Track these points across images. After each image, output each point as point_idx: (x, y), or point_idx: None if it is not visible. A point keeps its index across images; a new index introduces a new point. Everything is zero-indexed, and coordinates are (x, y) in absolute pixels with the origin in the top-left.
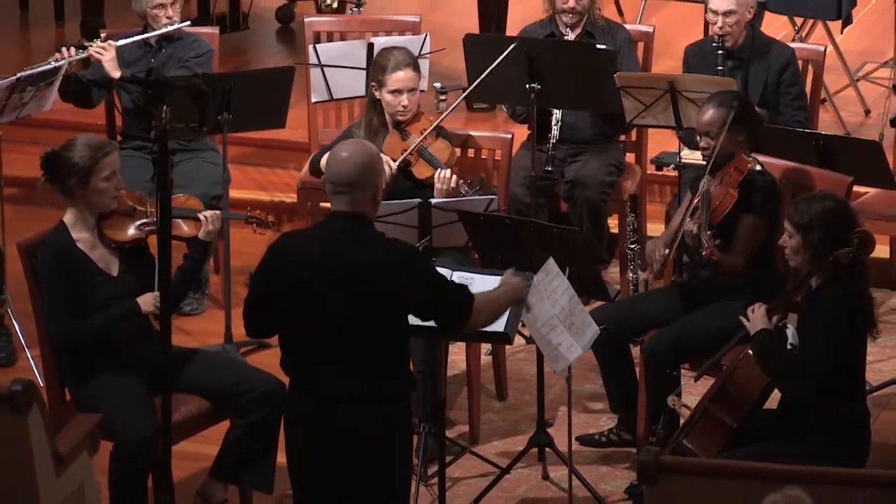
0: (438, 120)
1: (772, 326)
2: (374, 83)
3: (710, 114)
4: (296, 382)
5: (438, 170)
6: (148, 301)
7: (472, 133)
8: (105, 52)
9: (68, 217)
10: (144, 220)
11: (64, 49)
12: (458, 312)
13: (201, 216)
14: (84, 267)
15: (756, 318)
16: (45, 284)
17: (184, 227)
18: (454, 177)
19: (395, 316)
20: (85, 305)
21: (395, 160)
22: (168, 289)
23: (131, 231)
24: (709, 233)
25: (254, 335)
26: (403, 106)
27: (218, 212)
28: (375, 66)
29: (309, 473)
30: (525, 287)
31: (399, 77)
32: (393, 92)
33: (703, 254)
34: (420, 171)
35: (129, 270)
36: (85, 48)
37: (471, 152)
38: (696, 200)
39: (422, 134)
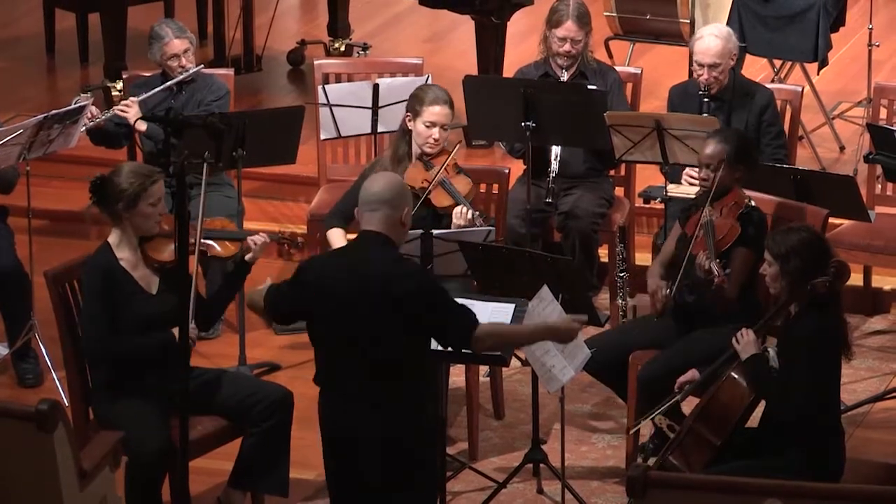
0: (454, 151)
1: (760, 350)
2: (408, 113)
3: (712, 147)
4: (323, 391)
5: (460, 206)
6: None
7: (472, 168)
8: (129, 110)
9: (113, 238)
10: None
11: (95, 108)
12: (462, 336)
13: (250, 241)
14: (126, 284)
15: (747, 343)
16: (87, 299)
17: (222, 247)
18: (470, 212)
19: (410, 332)
20: (124, 321)
21: (414, 188)
22: (187, 311)
23: (172, 251)
24: (718, 261)
25: (272, 316)
26: (434, 139)
27: (265, 236)
28: (414, 99)
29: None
30: (572, 335)
31: (436, 111)
32: (427, 124)
33: (716, 282)
34: (439, 199)
35: (168, 289)
36: (109, 89)
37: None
38: (697, 231)
39: (444, 167)
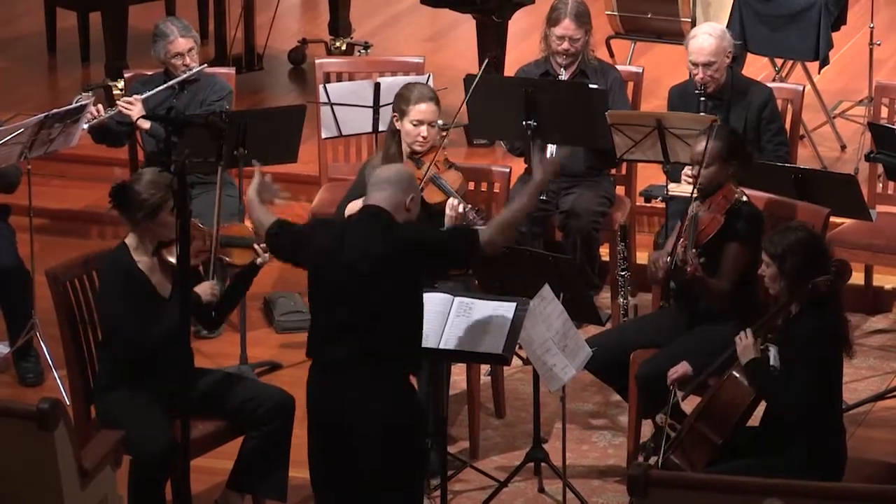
0: (441, 146)
1: (758, 353)
2: (395, 113)
3: (702, 144)
4: (314, 357)
5: (450, 198)
6: (205, 290)
7: (473, 167)
8: (133, 108)
9: (130, 240)
10: (200, 247)
11: (99, 106)
12: (462, 248)
13: (257, 247)
14: (142, 286)
15: (746, 346)
16: (110, 297)
17: (238, 256)
18: (462, 205)
19: (406, 293)
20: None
21: None
22: (188, 316)
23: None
24: (693, 251)
25: (270, 245)
26: (423, 137)
27: None
28: (399, 98)
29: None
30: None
31: (422, 109)
32: (414, 123)
33: (688, 270)
34: (430, 196)
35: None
36: (110, 87)
37: (471, 185)
38: (684, 224)
39: (434, 163)
